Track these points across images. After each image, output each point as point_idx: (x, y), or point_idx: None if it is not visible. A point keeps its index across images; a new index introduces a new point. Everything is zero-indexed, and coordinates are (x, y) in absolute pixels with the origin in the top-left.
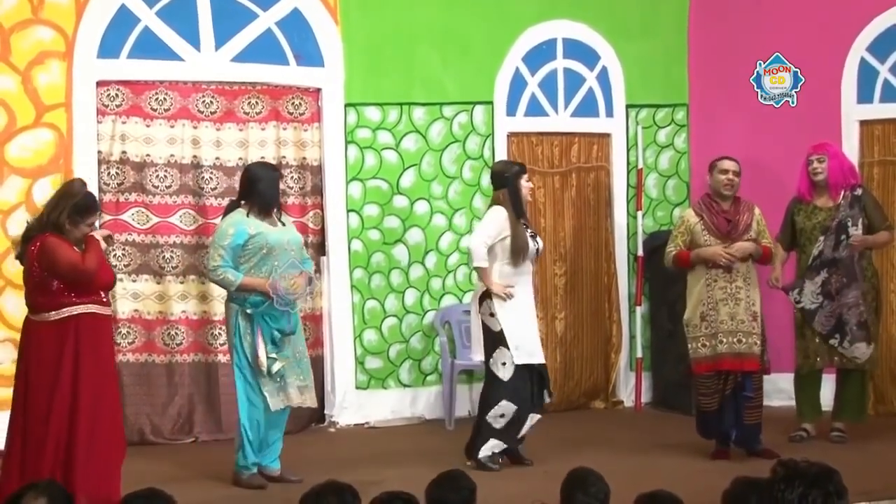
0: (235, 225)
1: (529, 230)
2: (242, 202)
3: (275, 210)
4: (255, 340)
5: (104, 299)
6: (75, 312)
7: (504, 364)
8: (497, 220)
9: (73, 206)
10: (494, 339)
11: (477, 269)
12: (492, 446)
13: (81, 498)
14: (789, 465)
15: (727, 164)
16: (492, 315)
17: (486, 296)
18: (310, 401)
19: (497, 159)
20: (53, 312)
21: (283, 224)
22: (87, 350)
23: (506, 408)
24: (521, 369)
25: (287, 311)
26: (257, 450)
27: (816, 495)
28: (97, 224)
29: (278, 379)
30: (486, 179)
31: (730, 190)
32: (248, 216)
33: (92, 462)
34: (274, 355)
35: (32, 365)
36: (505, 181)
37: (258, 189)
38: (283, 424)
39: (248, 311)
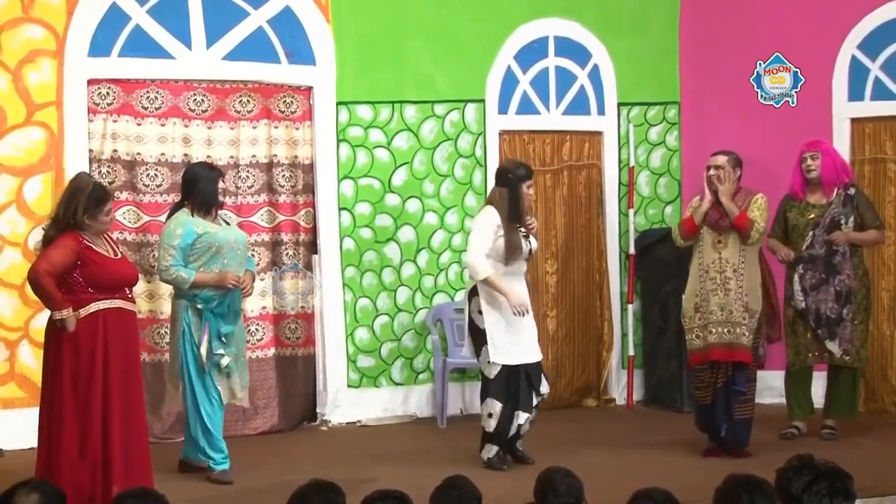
0: (183, 225)
1: (523, 230)
2: (186, 202)
3: (215, 210)
4: (201, 335)
5: (129, 295)
6: (102, 307)
7: (489, 362)
8: (486, 227)
9: (86, 199)
10: (481, 337)
11: (485, 281)
12: (488, 449)
13: (117, 487)
14: (804, 458)
15: (711, 160)
16: (480, 313)
17: (474, 292)
18: (246, 400)
19: (489, 157)
20: (82, 310)
21: (228, 223)
22: (116, 344)
23: (491, 405)
24: (508, 368)
25: (234, 313)
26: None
27: (822, 487)
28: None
29: (226, 374)
30: (478, 178)
31: (715, 184)
32: (192, 216)
33: (127, 454)
34: (221, 351)
35: (66, 361)
36: (507, 181)
37: (197, 189)
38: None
39: (199, 306)
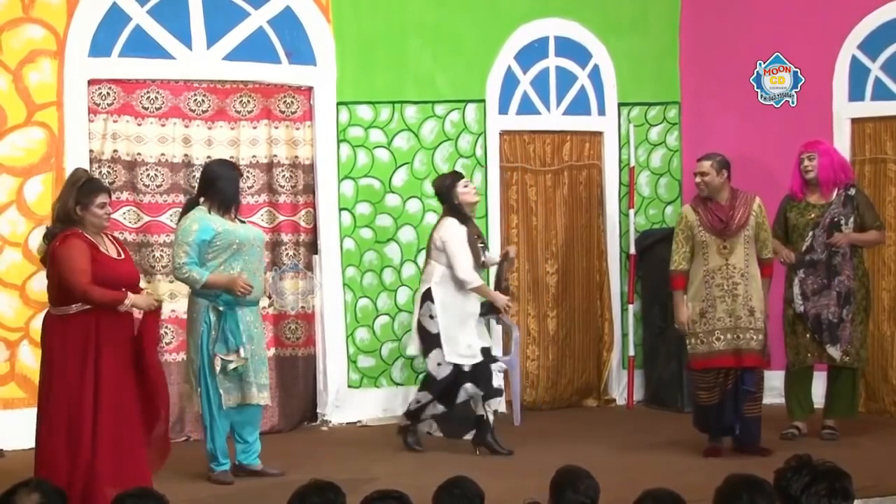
0: (199, 221)
1: (480, 241)
2: (201, 200)
3: (234, 209)
4: (216, 338)
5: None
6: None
7: (439, 364)
8: (462, 240)
9: (77, 190)
10: (431, 341)
11: (475, 289)
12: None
13: (108, 489)
14: (803, 458)
15: (697, 166)
16: (431, 317)
17: (427, 297)
18: (265, 399)
19: (489, 158)
20: (75, 305)
21: (243, 222)
22: (108, 344)
23: (423, 396)
24: (456, 369)
25: (241, 334)
26: (235, 448)
27: (821, 488)
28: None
29: (236, 377)
30: (478, 178)
31: (703, 191)
32: (209, 213)
33: (120, 457)
34: (231, 357)
35: (57, 357)
36: (443, 197)
37: (218, 187)
38: (259, 422)
39: (221, 308)
